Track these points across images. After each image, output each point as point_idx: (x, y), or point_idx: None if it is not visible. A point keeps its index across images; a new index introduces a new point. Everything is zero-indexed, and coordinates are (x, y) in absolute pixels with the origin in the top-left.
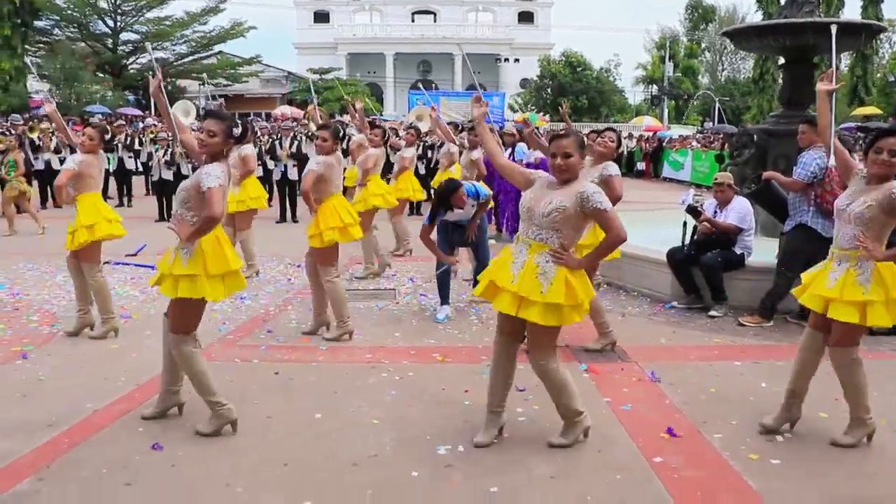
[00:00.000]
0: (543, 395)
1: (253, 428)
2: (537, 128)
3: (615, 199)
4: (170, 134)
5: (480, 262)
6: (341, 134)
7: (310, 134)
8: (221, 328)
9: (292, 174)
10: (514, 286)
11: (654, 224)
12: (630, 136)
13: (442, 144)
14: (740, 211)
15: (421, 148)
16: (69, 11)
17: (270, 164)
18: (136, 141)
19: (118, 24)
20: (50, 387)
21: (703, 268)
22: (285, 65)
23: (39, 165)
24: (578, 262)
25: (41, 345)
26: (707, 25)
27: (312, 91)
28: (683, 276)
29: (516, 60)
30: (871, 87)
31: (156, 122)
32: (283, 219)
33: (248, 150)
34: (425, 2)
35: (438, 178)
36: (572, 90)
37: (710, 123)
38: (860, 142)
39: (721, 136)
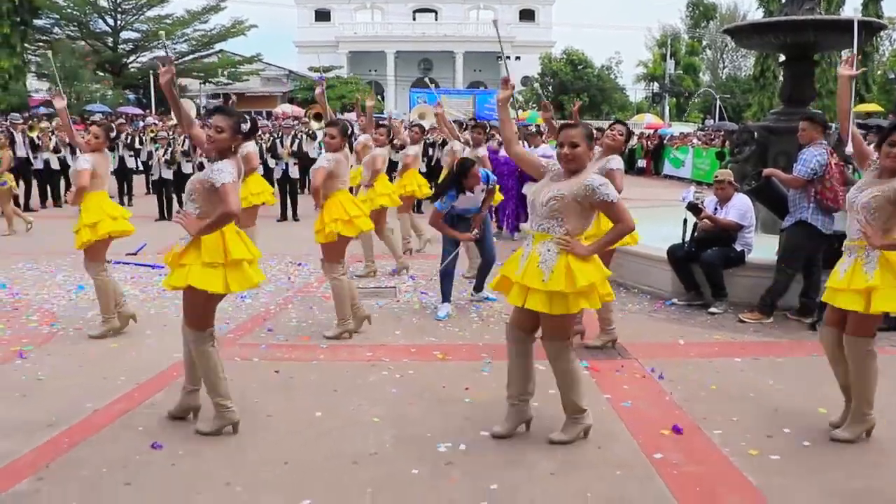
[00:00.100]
0: (543, 392)
1: (253, 426)
2: (538, 126)
3: None
4: (178, 129)
5: (485, 258)
6: (349, 131)
7: (310, 132)
8: (222, 327)
9: (293, 172)
10: (518, 277)
11: (655, 221)
12: (631, 134)
13: (444, 142)
14: (741, 208)
15: (422, 145)
16: (69, 10)
17: (272, 162)
18: (137, 140)
19: (118, 22)
20: (49, 386)
21: (703, 265)
22: (286, 63)
23: (38, 165)
24: (587, 248)
25: (41, 344)
26: (708, 23)
27: (322, 73)
28: (684, 272)
29: (517, 58)
30: (872, 85)
31: (156, 121)
32: (283, 217)
33: (251, 147)
34: (426, 0)
35: (443, 177)
36: (573, 88)
37: (711, 121)
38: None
39: (722, 133)
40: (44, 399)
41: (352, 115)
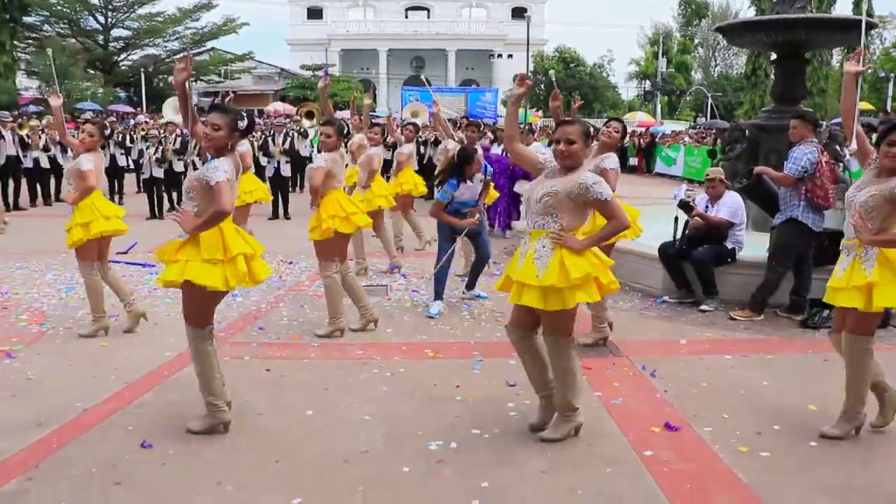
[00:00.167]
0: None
1: (244, 425)
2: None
3: None
4: (169, 128)
5: (480, 254)
6: (345, 131)
7: (302, 130)
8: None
9: (285, 171)
10: (516, 274)
11: (646, 219)
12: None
13: (436, 141)
14: (732, 205)
15: (415, 144)
16: (59, 7)
17: (263, 160)
18: (128, 138)
19: (109, 20)
20: (39, 386)
21: (694, 262)
22: (278, 61)
23: (28, 163)
24: (580, 242)
25: (30, 344)
26: (700, 21)
27: (327, 68)
28: (675, 270)
29: (510, 56)
30: (862, 83)
31: (147, 120)
32: (275, 216)
33: (244, 146)
34: None
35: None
36: (566, 86)
37: (703, 119)
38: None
39: (713, 131)
40: (33, 398)
41: (345, 114)
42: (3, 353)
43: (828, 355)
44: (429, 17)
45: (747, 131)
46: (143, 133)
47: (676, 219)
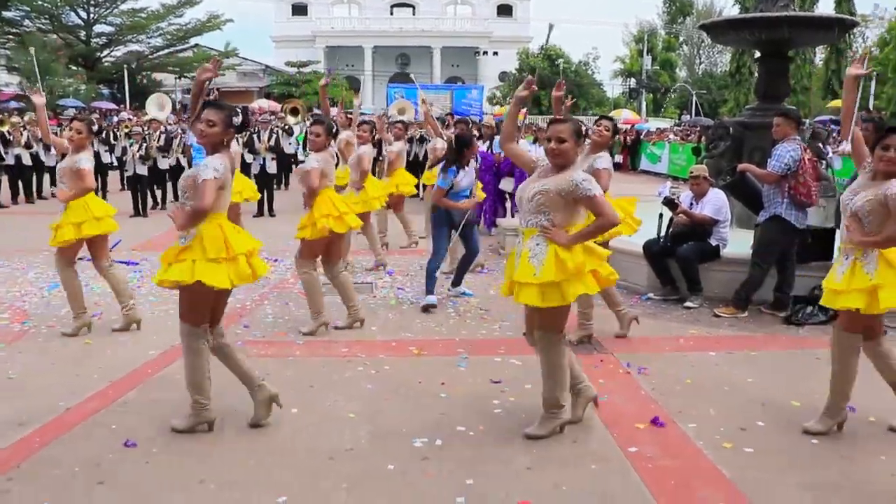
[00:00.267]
0: (519, 387)
1: (228, 423)
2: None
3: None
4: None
5: (470, 249)
6: (334, 130)
7: (287, 127)
8: None
9: (271, 168)
10: (515, 276)
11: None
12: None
13: (421, 139)
14: (716, 203)
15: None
16: (40, 2)
17: (249, 157)
18: (112, 135)
19: (91, 15)
20: (21, 385)
21: (679, 259)
22: (262, 58)
23: (10, 160)
24: (567, 237)
25: (11, 342)
26: (685, 19)
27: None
28: (659, 267)
29: (495, 53)
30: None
31: (130, 117)
32: (260, 213)
33: (233, 146)
34: None
35: (428, 175)
36: (551, 83)
37: (688, 116)
38: (833, 134)
39: (698, 128)
40: (15, 398)
41: (333, 110)
42: None
43: (812, 352)
44: (414, 14)
45: (731, 129)
46: (126, 130)
47: (661, 216)
